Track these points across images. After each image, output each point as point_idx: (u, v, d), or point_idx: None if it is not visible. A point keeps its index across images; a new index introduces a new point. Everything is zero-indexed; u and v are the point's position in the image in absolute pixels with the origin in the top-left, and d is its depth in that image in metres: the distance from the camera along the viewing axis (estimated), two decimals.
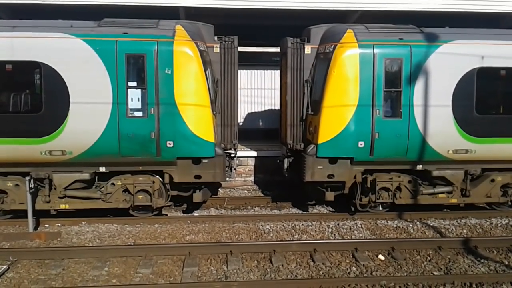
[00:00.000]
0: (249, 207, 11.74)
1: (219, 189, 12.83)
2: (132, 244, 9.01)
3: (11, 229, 9.81)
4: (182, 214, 11.04)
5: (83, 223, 10.08)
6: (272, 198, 12.23)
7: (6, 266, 7.79)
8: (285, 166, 11.06)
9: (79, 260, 8.10)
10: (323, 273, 7.70)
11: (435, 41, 9.93)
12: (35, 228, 9.68)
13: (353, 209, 10.69)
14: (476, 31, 10.52)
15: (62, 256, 8.12)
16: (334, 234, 9.58)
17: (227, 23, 12.26)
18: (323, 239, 9.24)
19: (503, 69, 10.08)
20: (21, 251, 8.42)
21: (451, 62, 9.87)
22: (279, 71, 12.14)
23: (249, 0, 12.89)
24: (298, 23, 11.62)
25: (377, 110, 9.78)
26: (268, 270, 7.80)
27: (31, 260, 8.09)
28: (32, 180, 9.28)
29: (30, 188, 9.23)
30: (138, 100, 9.46)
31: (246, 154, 13.69)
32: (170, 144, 9.49)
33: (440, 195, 10.49)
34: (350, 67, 9.72)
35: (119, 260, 8.11)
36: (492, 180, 10.52)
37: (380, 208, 10.86)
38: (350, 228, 9.83)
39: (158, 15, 10.55)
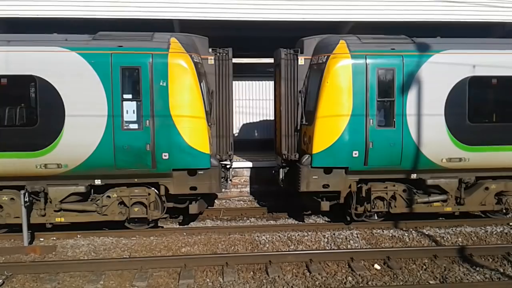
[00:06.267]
0: (244, 218, 11.74)
1: (215, 200, 12.82)
2: (128, 256, 8.98)
3: (6, 243, 9.76)
4: (178, 226, 11.02)
5: (78, 236, 10.05)
6: (267, 208, 12.23)
7: (1, 280, 7.74)
8: (281, 176, 11.10)
9: (74, 273, 8.06)
10: (319, 283, 7.70)
11: (427, 51, 10.04)
12: (30, 242, 9.63)
13: (348, 218, 10.71)
14: (468, 40, 10.65)
15: (57, 270, 8.08)
16: (330, 244, 9.58)
17: (221, 35, 12.37)
18: (319, 249, 9.24)
19: (494, 78, 10.19)
20: (16, 265, 8.37)
21: (443, 71, 9.97)
22: (273, 82, 12.22)
23: (243, 12, 13.01)
24: (291, 35, 11.72)
25: (371, 120, 9.86)
26: (264, 281, 7.78)
27: (26, 274, 8.04)
28: (27, 193, 9.26)
29: (25, 202, 9.20)
30: (133, 113, 9.49)
31: (242, 165, 13.71)
32: (165, 156, 9.51)
33: (435, 204, 10.52)
34: (343, 77, 9.81)
35: (114, 273, 8.07)
36: (486, 188, 10.56)
37: (376, 218, 10.89)
38: (346, 238, 9.84)
39: (152, 28, 10.64)
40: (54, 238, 10.02)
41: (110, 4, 12.64)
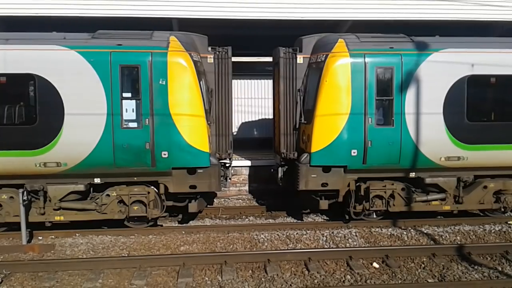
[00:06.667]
0: (243, 216, 11.74)
1: (214, 199, 12.82)
2: (126, 255, 8.99)
3: (5, 241, 9.76)
4: (176, 225, 11.03)
5: (77, 235, 10.05)
6: (266, 207, 12.23)
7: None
8: (279, 175, 11.11)
9: (73, 272, 8.07)
10: (318, 282, 7.71)
11: (426, 50, 10.05)
12: (29, 241, 9.64)
13: (347, 217, 10.73)
14: (466, 39, 10.68)
15: (55, 269, 8.08)
16: (329, 243, 9.60)
17: (220, 34, 12.37)
18: (317, 248, 9.25)
19: (493, 77, 10.21)
20: (15, 264, 8.38)
21: (442, 70, 9.98)
22: (272, 80, 12.23)
23: (242, 10, 13.02)
24: (290, 33, 11.74)
25: (370, 119, 9.87)
26: (263, 279, 7.80)
27: (25, 273, 8.05)
28: (25, 192, 9.26)
29: (24, 201, 9.20)
30: (133, 111, 9.49)
31: (241, 164, 13.72)
32: (165, 154, 9.52)
33: (433, 202, 10.55)
34: (342, 76, 9.82)
35: (113, 272, 8.09)
36: (485, 187, 10.58)
37: (374, 216, 10.90)
38: (345, 237, 9.86)
39: (151, 27, 10.64)
40: (53, 236, 10.02)
41: (109, 3, 12.65)
